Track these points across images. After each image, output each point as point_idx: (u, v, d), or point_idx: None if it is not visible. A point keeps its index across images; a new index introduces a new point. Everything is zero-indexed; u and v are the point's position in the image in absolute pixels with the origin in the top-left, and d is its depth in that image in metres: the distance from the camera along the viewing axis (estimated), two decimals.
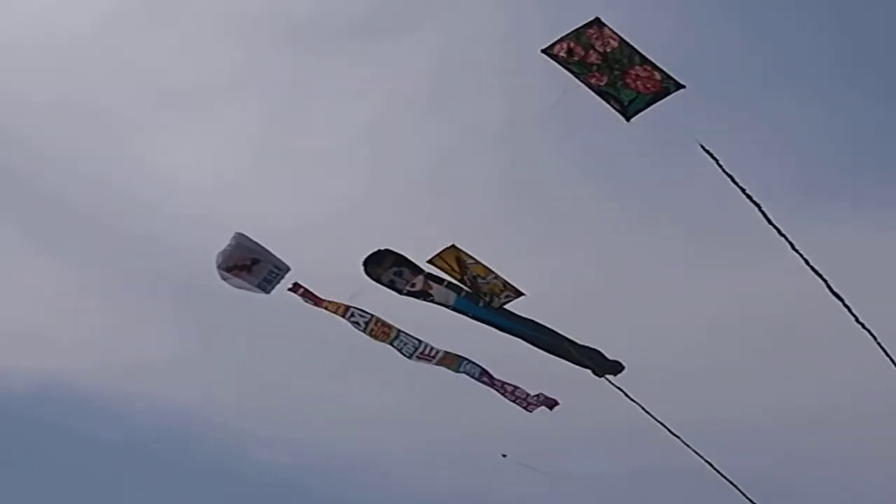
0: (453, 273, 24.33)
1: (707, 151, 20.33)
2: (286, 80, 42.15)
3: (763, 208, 20.85)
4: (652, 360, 28.33)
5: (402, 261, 24.89)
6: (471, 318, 24.92)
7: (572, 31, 19.90)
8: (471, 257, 24.03)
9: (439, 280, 24.92)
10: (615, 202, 36.02)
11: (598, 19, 19.79)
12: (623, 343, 26.39)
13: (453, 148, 37.18)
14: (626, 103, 20.26)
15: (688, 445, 23.82)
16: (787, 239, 21.14)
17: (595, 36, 19.88)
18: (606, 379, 24.61)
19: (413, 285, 24.93)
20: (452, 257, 24.08)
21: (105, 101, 42.07)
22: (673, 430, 23.82)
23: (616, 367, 24.84)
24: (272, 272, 24.95)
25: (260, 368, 35.05)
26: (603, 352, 24.96)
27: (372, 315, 25.43)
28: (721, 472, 24.24)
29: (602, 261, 34.23)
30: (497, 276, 24.24)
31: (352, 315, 25.32)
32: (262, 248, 24.94)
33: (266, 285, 25.03)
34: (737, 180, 20.59)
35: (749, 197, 20.75)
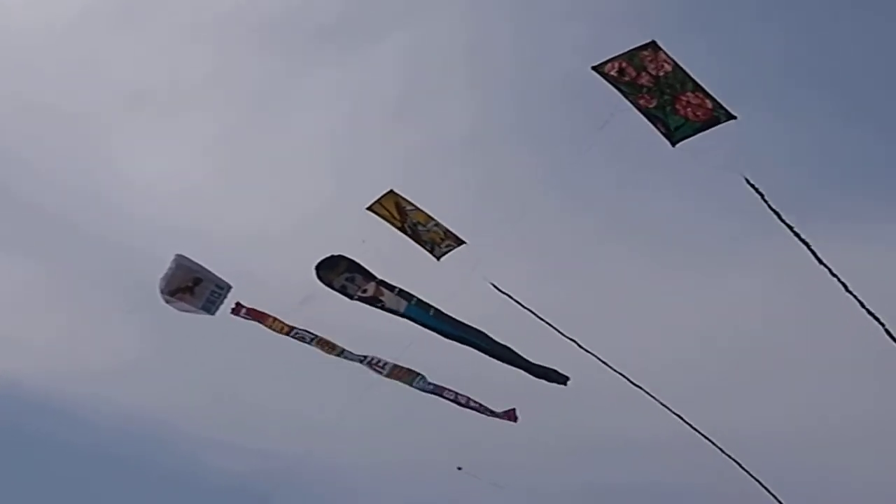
0: (393, 220, 23.76)
1: (752, 186, 20.17)
2: (256, 84, 41.98)
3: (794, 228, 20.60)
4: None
5: (354, 266, 24.89)
6: (421, 325, 24.69)
7: (626, 52, 19.74)
8: (410, 203, 23.67)
9: (391, 287, 24.90)
10: (583, 213, 35.73)
11: (654, 42, 19.62)
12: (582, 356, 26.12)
13: (421, 154, 36.94)
14: (673, 128, 20.09)
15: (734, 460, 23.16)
16: (808, 247, 20.88)
17: (649, 59, 19.71)
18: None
19: (364, 291, 24.86)
20: (391, 203, 23.66)
21: (74, 103, 41.82)
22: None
23: (562, 379, 24.66)
24: (214, 292, 25.16)
25: (221, 375, 34.65)
26: (554, 367, 24.77)
27: (315, 335, 25.44)
28: None
29: (569, 273, 33.97)
30: (438, 224, 23.82)
31: (295, 333, 25.37)
32: (203, 267, 25.13)
33: (210, 306, 25.22)
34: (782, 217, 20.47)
35: (789, 226, 20.53)
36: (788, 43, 39.68)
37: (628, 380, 23.28)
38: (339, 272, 24.80)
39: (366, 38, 41.69)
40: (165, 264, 30.96)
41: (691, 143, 20.26)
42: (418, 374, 25.53)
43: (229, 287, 25.22)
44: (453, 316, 24.64)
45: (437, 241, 23.93)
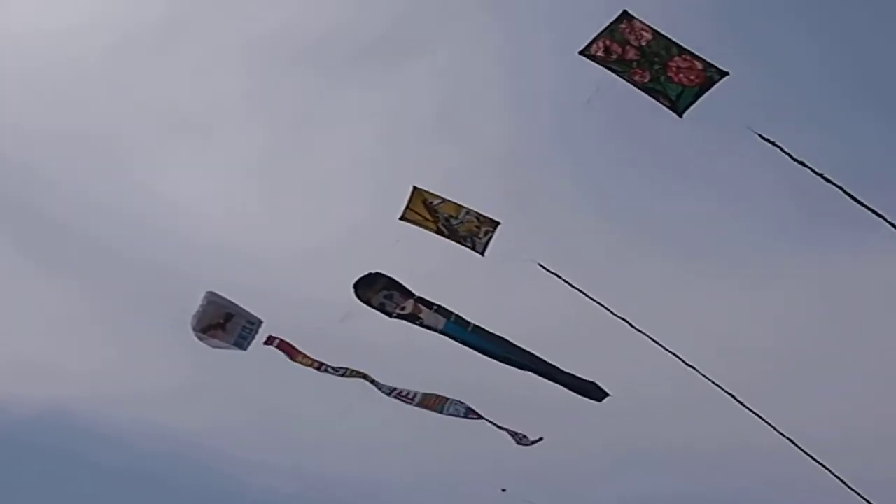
0: (427, 223, 23.43)
1: (768, 140, 19.61)
2: (294, 105, 42.08)
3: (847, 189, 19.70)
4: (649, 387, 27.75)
5: (392, 284, 24.89)
6: (459, 342, 24.61)
7: (605, 29, 19.63)
8: (437, 196, 23.34)
9: (429, 304, 24.84)
10: (617, 225, 35.59)
11: (625, 12, 19.51)
12: (621, 370, 26.00)
13: (458, 172, 36.88)
14: (674, 98, 19.89)
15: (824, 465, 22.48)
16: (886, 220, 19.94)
17: (627, 30, 19.61)
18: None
19: (403, 309, 24.85)
20: (419, 203, 23.31)
21: (113, 128, 42.15)
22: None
23: (601, 394, 24.46)
24: (246, 328, 25.49)
25: (261, 397, 34.70)
26: (593, 380, 24.55)
27: (346, 369, 25.55)
28: None
29: (605, 285, 33.81)
30: (469, 212, 23.34)
31: (325, 370, 25.55)
32: (234, 303, 25.50)
33: (242, 342, 25.57)
34: (813, 167, 19.71)
35: (827, 180, 19.72)
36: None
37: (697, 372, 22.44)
38: (378, 290, 24.82)
39: (403, 57, 41.76)
40: (209, 286, 31.23)
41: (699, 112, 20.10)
42: (448, 399, 25.44)
43: (260, 322, 25.60)
44: (492, 331, 24.52)
45: (474, 230, 23.42)
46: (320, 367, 25.51)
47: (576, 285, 22.86)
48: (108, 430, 40.63)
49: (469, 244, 23.55)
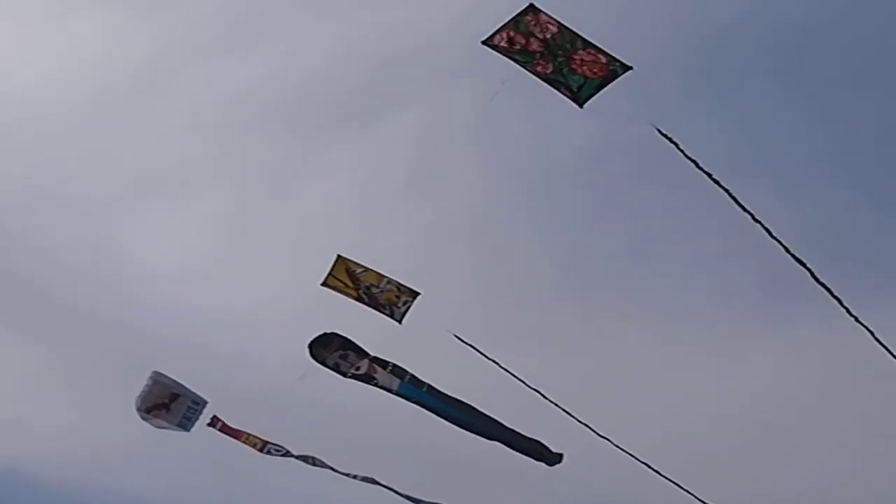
0: (348, 290, 23.73)
1: (664, 135, 19.70)
2: (266, 165, 41.96)
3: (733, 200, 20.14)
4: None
5: (347, 344, 24.87)
6: (414, 403, 24.45)
7: (510, 20, 19.41)
8: (359, 265, 23.63)
9: (384, 364, 24.72)
10: (586, 292, 35.58)
11: (532, 5, 19.26)
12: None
13: (429, 232, 36.83)
14: (575, 89, 19.67)
15: None
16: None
17: (533, 22, 19.37)
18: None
19: (358, 368, 24.82)
20: (342, 270, 23.62)
21: (83, 189, 41.94)
22: None
23: (557, 459, 24.29)
24: (190, 408, 25.79)
25: (220, 456, 34.34)
26: (545, 443, 24.42)
27: (287, 450, 25.67)
28: None
29: (572, 354, 33.70)
30: (390, 281, 23.64)
31: (269, 451, 25.73)
32: (179, 383, 25.78)
33: (186, 423, 25.90)
34: (701, 165, 19.91)
35: (717, 182, 20.06)
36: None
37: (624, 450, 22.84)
38: (333, 349, 24.79)
39: (376, 117, 41.74)
40: (173, 346, 30.87)
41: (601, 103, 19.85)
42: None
43: (205, 403, 25.87)
44: (447, 393, 24.38)
45: (394, 299, 23.72)
46: (264, 447, 25.65)
47: (490, 356, 23.31)
48: (67, 488, 40.22)
49: (388, 312, 23.83)
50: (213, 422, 25.83)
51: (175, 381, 25.86)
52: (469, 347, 23.30)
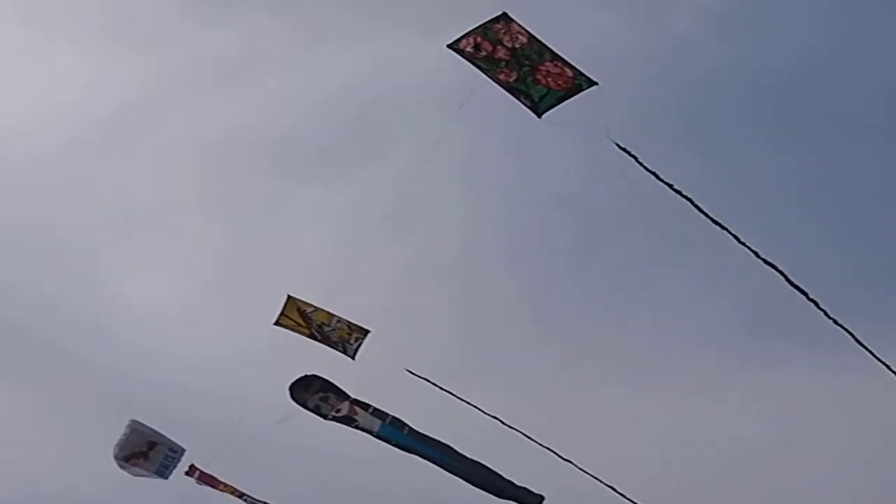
0: (300, 328, 24.13)
1: (622, 148, 19.59)
2: (249, 206, 42.01)
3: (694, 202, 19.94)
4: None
5: (328, 386, 24.84)
6: (395, 445, 24.39)
7: (479, 26, 19.31)
8: (310, 305, 24.04)
9: (365, 406, 24.71)
10: (565, 334, 35.67)
11: (505, 14, 19.22)
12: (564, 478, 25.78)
13: (409, 274, 36.90)
14: (536, 99, 19.63)
15: None
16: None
17: (503, 31, 19.29)
18: None
19: (338, 411, 24.77)
20: (294, 310, 24.03)
21: (63, 227, 41.96)
22: None
23: (538, 501, 24.23)
24: (168, 456, 25.86)
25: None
26: (527, 487, 24.35)
27: (265, 502, 25.68)
28: None
29: (552, 396, 33.72)
30: (340, 320, 24.06)
31: (246, 499, 25.70)
32: (157, 431, 25.89)
33: (164, 471, 25.95)
34: (662, 177, 19.81)
35: (685, 196, 19.91)
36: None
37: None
38: (313, 392, 24.76)
39: (357, 159, 41.87)
40: (155, 386, 30.72)
41: (560, 113, 19.84)
42: None
43: (183, 451, 25.91)
44: (428, 435, 24.33)
45: (345, 336, 24.05)
46: (242, 496, 25.62)
47: (445, 388, 23.66)
48: None
49: (340, 349, 24.17)
50: (191, 471, 25.75)
51: (152, 430, 25.93)
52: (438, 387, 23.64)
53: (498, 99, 20.04)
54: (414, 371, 23.57)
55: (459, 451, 24.25)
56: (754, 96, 39.50)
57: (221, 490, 25.65)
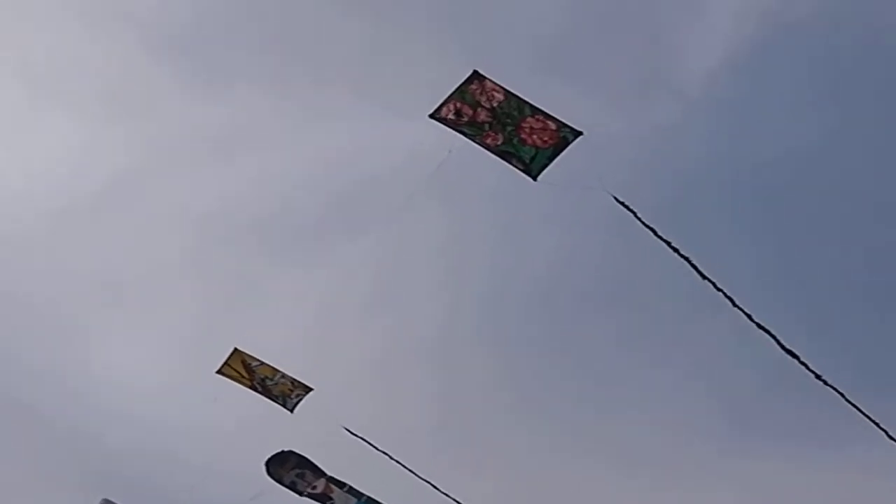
0: (243, 380, 24.60)
1: (621, 202, 19.21)
2: (230, 281, 42.11)
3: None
4: None
5: (304, 462, 24.86)
6: None
7: (455, 90, 19.13)
8: (255, 359, 24.56)
9: (341, 484, 24.76)
10: (542, 418, 35.71)
11: (476, 72, 19.04)
12: None
13: (390, 354, 37.02)
14: (527, 161, 19.32)
15: None
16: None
17: (478, 91, 19.11)
18: None
19: (314, 488, 24.79)
20: (238, 362, 24.56)
21: (47, 295, 41.92)
22: None
23: None
24: None
25: None
26: None
27: None
28: None
29: (528, 481, 33.71)
30: (284, 376, 24.53)
31: None
32: None
33: None
34: (659, 233, 19.36)
35: (684, 256, 19.36)
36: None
37: None
38: (290, 468, 24.82)
39: (340, 239, 42.08)
40: (133, 456, 30.49)
41: (558, 173, 19.53)
42: None
43: None
44: None
45: (287, 392, 24.53)
46: None
47: (379, 447, 23.97)
48: None
49: (280, 402, 24.66)
50: None
51: None
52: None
53: (483, 168, 20.10)
54: (351, 430, 24.04)
55: None
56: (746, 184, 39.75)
57: None
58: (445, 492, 23.45)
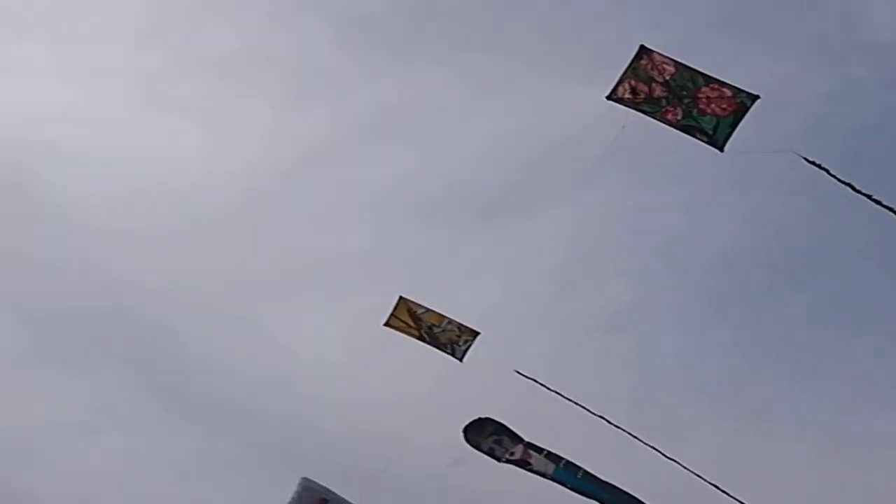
0: (410, 329, 24.42)
1: (811, 162, 18.77)
2: (418, 257, 42.37)
3: None
4: None
5: (502, 429, 24.73)
6: (569, 489, 24.10)
7: (627, 68, 19.18)
8: (421, 307, 24.29)
9: (539, 449, 24.55)
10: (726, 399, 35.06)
11: (643, 47, 19.04)
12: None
13: (575, 328, 36.79)
14: (710, 132, 19.21)
15: None
16: None
17: (649, 66, 19.12)
18: None
19: (512, 454, 24.62)
20: (404, 311, 24.30)
21: (237, 278, 42.91)
22: None
23: None
24: None
25: None
26: None
27: None
28: None
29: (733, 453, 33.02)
30: (451, 321, 24.29)
31: None
32: (328, 489, 26.27)
33: None
34: (859, 188, 18.92)
35: (869, 196, 18.81)
36: None
37: None
38: (487, 434, 24.71)
39: (525, 212, 41.90)
40: (326, 434, 30.84)
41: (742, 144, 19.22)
42: None
43: None
44: (603, 479, 24.03)
45: (455, 339, 24.35)
46: None
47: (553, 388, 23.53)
48: None
49: (449, 351, 24.49)
50: None
51: (323, 487, 26.20)
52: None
53: (664, 138, 19.89)
54: (522, 372, 23.65)
55: (636, 496, 23.86)
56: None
57: None
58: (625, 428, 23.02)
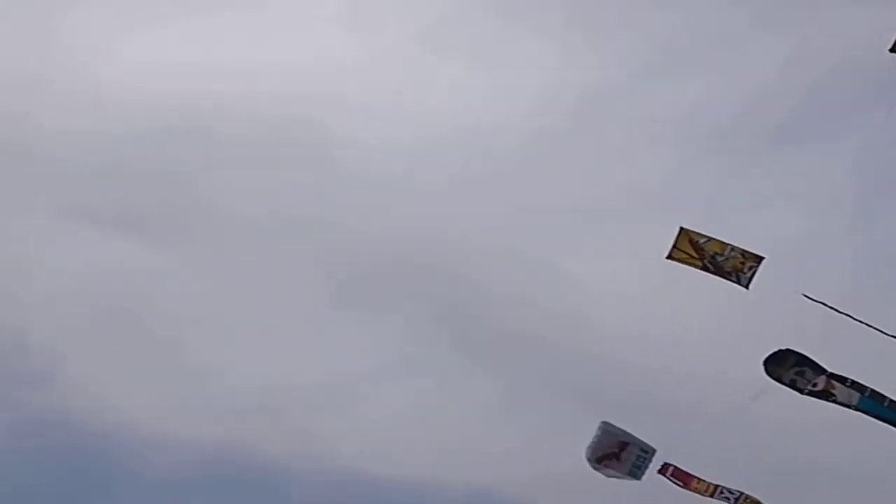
0: (693, 260, 23.73)
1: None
2: (706, 189, 42.15)
3: None
4: None
5: (804, 360, 24.44)
6: (874, 417, 23.77)
7: None
8: (703, 236, 23.61)
9: (843, 380, 24.16)
10: None
11: None
12: None
13: (874, 262, 35.79)
14: None
15: None
16: None
17: None
18: None
19: (815, 385, 24.34)
20: (686, 242, 23.63)
21: (534, 213, 43.56)
22: None
23: None
24: (640, 457, 26.21)
25: None
26: None
27: (741, 493, 25.96)
28: None
29: None
30: (734, 248, 23.58)
31: (721, 493, 26.01)
32: (627, 432, 26.33)
33: (636, 471, 26.22)
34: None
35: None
36: None
37: None
38: (789, 366, 24.45)
39: (818, 137, 41.05)
40: (619, 368, 31.11)
41: None
42: None
43: (654, 451, 26.26)
44: None
45: (739, 266, 23.63)
46: (714, 492, 25.94)
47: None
48: None
49: (734, 279, 23.81)
50: (664, 468, 26.24)
51: (623, 431, 26.40)
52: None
53: None
54: (810, 295, 23.22)
55: None
56: None
57: (693, 489, 26.01)
58: None
